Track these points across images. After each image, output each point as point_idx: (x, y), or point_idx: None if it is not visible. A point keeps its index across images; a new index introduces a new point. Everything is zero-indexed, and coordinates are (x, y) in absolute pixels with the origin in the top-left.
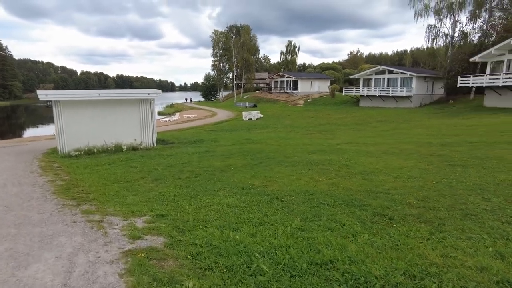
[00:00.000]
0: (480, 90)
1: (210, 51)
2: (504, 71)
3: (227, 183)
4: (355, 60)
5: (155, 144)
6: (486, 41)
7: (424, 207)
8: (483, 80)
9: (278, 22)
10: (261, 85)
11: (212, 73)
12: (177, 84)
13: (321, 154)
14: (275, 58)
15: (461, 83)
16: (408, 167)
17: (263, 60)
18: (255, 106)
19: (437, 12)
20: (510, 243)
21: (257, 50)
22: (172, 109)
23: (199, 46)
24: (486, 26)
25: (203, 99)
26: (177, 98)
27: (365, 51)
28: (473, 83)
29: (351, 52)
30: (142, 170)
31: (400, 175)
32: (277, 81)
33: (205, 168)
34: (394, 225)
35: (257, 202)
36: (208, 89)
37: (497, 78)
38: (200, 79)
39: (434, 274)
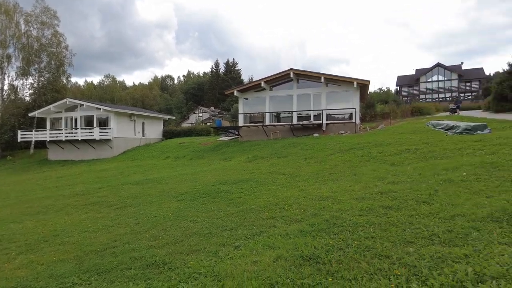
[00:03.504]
0: (39, 145)
1: None
2: (63, 127)
3: None
4: None
5: None
6: (39, 98)
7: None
8: (46, 135)
9: None
10: None
11: None
12: None
13: None
14: None
15: (22, 138)
16: (82, 220)
17: None
18: None
19: None
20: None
21: None
22: None
23: None
24: (38, 84)
25: None
26: None
27: None
28: (36, 137)
29: None
30: None
31: (95, 229)
32: None
33: None
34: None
35: None
36: None
37: (60, 133)
38: None
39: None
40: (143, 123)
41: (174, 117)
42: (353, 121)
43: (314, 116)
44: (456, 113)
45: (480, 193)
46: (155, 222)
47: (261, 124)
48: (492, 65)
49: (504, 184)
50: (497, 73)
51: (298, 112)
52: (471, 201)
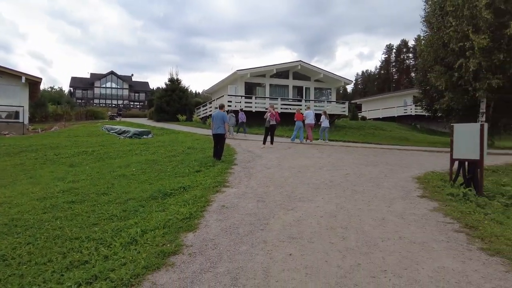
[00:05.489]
0: None
1: None
2: None
3: None
4: None
5: None
6: None
7: None
8: None
9: None
10: None
11: None
12: None
13: None
14: None
15: None
16: None
17: None
18: None
19: None
20: None
21: None
22: None
23: None
24: None
25: None
26: None
27: None
28: None
29: None
30: None
31: None
32: None
33: None
34: None
35: None
36: None
37: None
38: None
39: None
40: None
41: None
42: (21, 120)
43: None
44: (117, 119)
45: (145, 182)
46: None
47: None
48: (156, 81)
49: (160, 174)
50: (158, 89)
51: None
52: (139, 188)
